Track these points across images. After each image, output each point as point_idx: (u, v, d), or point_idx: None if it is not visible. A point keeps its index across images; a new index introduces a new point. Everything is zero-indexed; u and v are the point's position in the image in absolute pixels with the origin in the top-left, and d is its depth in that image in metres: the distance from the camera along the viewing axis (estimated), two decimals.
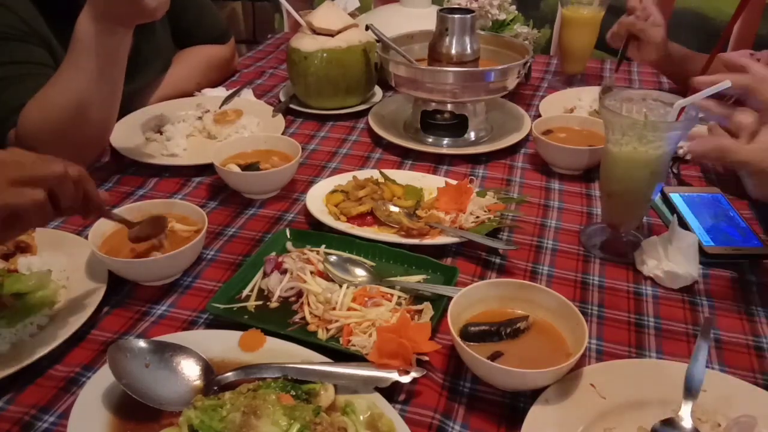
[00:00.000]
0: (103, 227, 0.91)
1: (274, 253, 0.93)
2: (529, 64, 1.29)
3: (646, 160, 0.87)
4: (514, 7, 1.63)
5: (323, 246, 0.95)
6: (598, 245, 0.99)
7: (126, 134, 1.27)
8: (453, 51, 1.24)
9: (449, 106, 1.28)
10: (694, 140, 0.80)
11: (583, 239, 1.01)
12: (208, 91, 1.50)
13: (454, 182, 1.09)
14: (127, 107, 1.30)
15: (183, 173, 1.19)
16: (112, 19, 0.99)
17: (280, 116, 1.38)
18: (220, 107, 1.40)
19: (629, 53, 1.46)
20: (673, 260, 0.89)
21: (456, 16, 1.23)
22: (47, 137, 1.05)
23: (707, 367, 0.73)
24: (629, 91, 0.94)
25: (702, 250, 0.95)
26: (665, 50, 1.42)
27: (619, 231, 0.98)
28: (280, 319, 0.83)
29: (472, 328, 0.76)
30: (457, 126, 1.29)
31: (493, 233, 1.01)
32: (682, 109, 0.84)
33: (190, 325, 0.84)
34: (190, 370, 0.72)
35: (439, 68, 1.25)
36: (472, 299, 0.78)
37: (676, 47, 1.45)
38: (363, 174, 1.13)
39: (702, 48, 1.55)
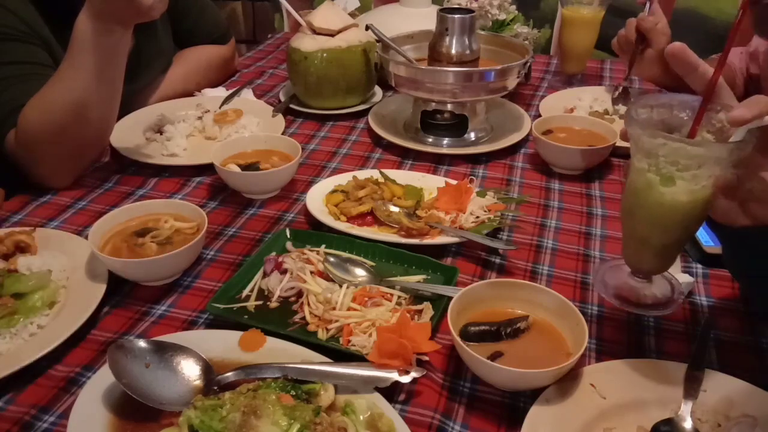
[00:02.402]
0: (103, 227, 0.92)
1: (274, 253, 0.93)
2: (529, 64, 1.28)
3: (705, 198, 0.67)
4: (514, 7, 1.63)
5: (323, 246, 0.95)
6: (622, 294, 0.80)
7: (126, 134, 1.27)
8: (453, 51, 1.24)
9: (449, 106, 1.28)
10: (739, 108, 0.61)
11: (598, 286, 0.84)
12: (208, 91, 1.51)
13: (454, 182, 1.09)
14: (127, 107, 1.31)
15: (183, 173, 1.19)
16: (109, 18, 0.99)
17: (280, 116, 1.38)
18: (220, 107, 1.40)
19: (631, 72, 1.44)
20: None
21: (456, 16, 1.23)
22: (47, 137, 1.05)
23: (707, 367, 0.73)
24: (650, 97, 0.70)
25: (702, 251, 0.95)
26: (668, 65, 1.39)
27: (650, 278, 0.80)
28: (280, 319, 0.83)
29: (472, 328, 0.76)
30: (457, 126, 1.29)
31: (493, 233, 1.01)
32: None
33: (190, 325, 0.84)
34: (190, 370, 0.72)
35: (439, 68, 1.25)
36: (472, 299, 0.78)
37: None
38: (363, 174, 1.13)
39: (702, 49, 1.54)
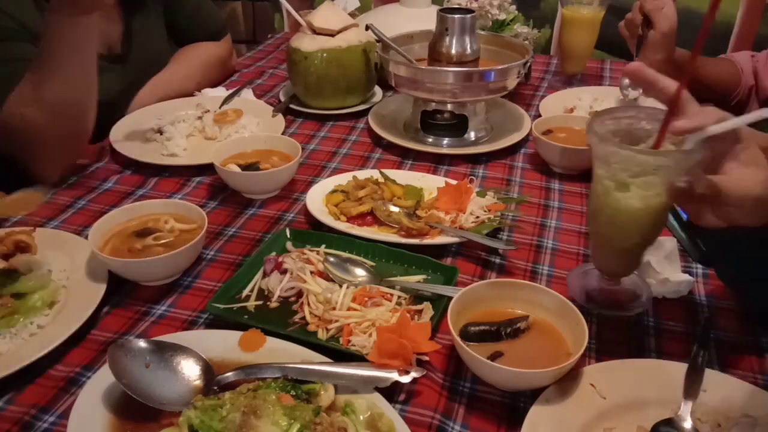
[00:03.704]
0: (103, 227, 0.92)
1: (274, 253, 0.93)
2: (529, 64, 1.28)
3: (658, 205, 0.72)
4: (514, 7, 1.62)
5: (323, 246, 0.95)
6: (593, 296, 0.86)
7: (126, 134, 1.28)
8: (453, 51, 1.24)
9: (449, 106, 1.28)
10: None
11: (571, 288, 0.88)
12: (208, 91, 1.50)
13: (454, 182, 1.09)
14: (126, 99, 1.31)
15: (183, 173, 1.19)
16: (69, 8, 1.00)
17: (280, 116, 1.38)
18: (220, 107, 1.40)
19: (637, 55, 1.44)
20: (662, 270, 0.88)
21: (456, 16, 1.23)
22: (27, 134, 1.07)
23: (707, 367, 0.73)
24: (617, 109, 0.74)
25: (702, 251, 0.95)
26: (672, 51, 1.40)
27: (618, 280, 0.85)
28: (280, 319, 0.83)
29: (472, 328, 0.76)
30: (457, 126, 1.29)
31: (493, 233, 1.01)
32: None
33: (190, 325, 0.84)
34: (190, 370, 0.72)
35: (439, 68, 1.25)
36: (472, 299, 0.78)
37: (682, 52, 1.44)
38: (363, 174, 1.13)
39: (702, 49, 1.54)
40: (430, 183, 1.12)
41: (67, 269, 0.90)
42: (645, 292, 0.86)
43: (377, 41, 1.35)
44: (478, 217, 1.02)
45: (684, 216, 1.02)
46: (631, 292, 0.86)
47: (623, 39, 1.46)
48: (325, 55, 1.36)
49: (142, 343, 0.72)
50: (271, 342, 0.77)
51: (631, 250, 0.78)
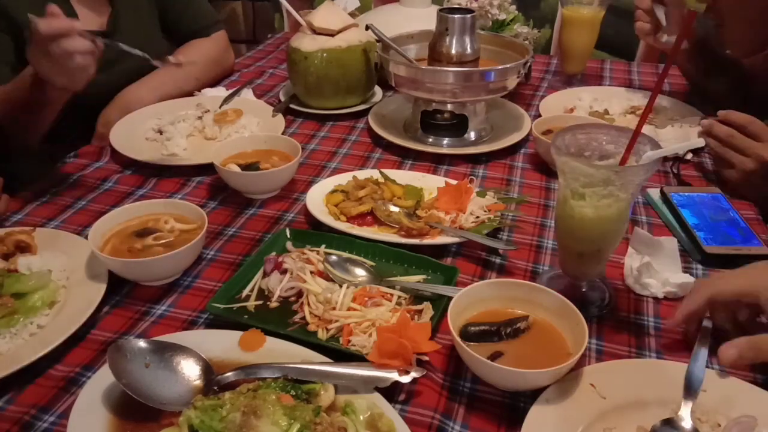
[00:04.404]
0: (103, 227, 0.92)
1: (274, 253, 0.93)
2: (529, 64, 1.28)
3: (618, 211, 0.78)
4: (514, 7, 1.63)
5: (323, 246, 0.95)
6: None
7: (126, 134, 1.27)
8: (453, 51, 1.24)
9: (449, 106, 1.28)
10: (723, 351, 0.71)
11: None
12: (208, 91, 1.50)
13: (454, 182, 1.09)
14: (108, 71, 1.32)
15: (183, 173, 1.19)
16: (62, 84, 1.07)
17: (280, 116, 1.38)
18: (220, 107, 1.40)
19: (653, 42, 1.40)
20: (662, 270, 0.89)
21: (456, 16, 1.23)
22: None
23: (707, 367, 0.73)
24: (575, 133, 0.80)
25: (702, 250, 0.96)
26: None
27: (581, 283, 0.88)
28: (280, 319, 0.83)
29: (472, 328, 0.76)
30: (457, 126, 1.29)
31: (493, 233, 1.01)
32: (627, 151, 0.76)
33: (190, 325, 0.84)
34: (190, 370, 0.72)
35: (439, 68, 1.25)
36: (472, 299, 0.78)
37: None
38: (363, 174, 1.13)
39: None
40: (430, 183, 1.12)
41: (67, 269, 0.90)
42: (607, 296, 0.88)
43: (377, 41, 1.35)
44: (478, 217, 1.02)
45: (684, 216, 1.02)
46: (592, 295, 0.88)
47: (637, 38, 1.42)
48: (325, 55, 1.36)
49: (141, 343, 0.72)
50: (271, 342, 0.77)
51: (588, 255, 0.83)
